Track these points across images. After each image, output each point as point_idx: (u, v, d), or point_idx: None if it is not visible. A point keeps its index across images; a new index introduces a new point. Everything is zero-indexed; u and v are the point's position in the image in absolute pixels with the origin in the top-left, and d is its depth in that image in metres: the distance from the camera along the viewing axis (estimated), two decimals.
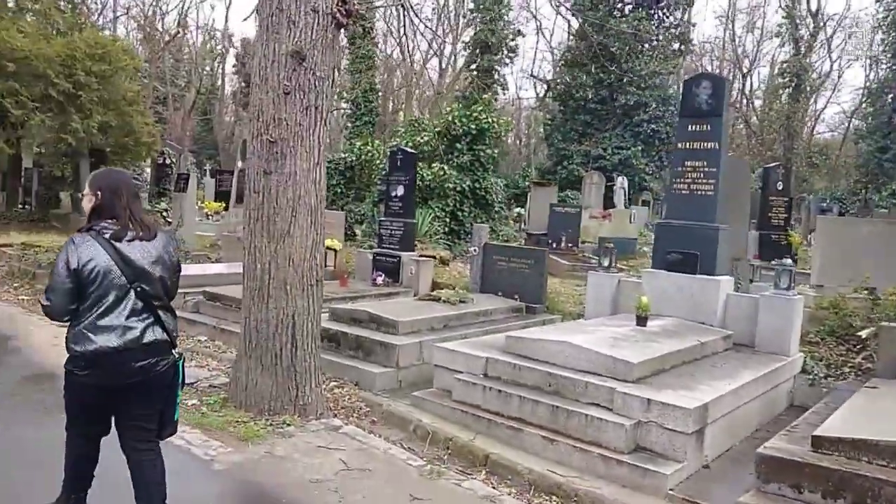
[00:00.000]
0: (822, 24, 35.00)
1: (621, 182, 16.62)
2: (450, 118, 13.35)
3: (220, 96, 45.24)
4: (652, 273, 6.64)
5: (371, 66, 23.61)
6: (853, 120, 36.79)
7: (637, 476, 4.02)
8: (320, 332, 5.10)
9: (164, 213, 15.18)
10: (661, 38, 28.96)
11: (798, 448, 3.86)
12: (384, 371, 5.78)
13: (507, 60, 23.70)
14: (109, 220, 2.82)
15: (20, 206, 17.11)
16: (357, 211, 13.79)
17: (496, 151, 14.42)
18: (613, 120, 27.87)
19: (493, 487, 4.00)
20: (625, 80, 27.34)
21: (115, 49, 14.20)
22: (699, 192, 6.53)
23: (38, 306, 8.80)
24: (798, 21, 34.01)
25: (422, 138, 13.46)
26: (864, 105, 34.06)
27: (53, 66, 12.86)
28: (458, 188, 12.67)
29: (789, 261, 6.06)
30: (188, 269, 9.31)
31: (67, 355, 2.77)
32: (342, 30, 4.90)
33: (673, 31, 29.38)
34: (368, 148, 14.24)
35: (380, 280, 8.87)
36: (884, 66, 31.13)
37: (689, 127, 6.66)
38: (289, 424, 4.55)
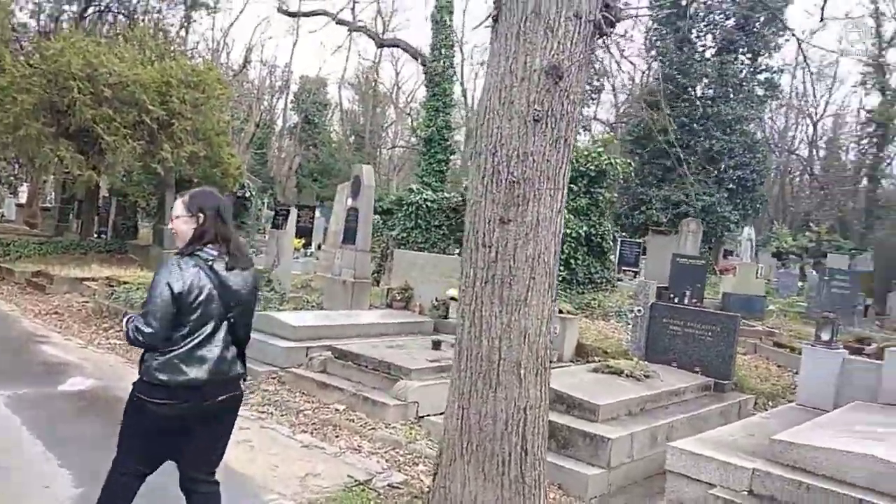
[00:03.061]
0: None
1: (748, 233, 15.25)
2: None
3: (277, 131, 45.32)
4: None
5: (449, 103, 22.82)
6: None
7: None
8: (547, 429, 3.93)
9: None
10: (745, 83, 27.69)
11: None
12: (596, 473, 4.58)
13: (591, 102, 22.62)
14: (211, 245, 2.71)
15: (96, 234, 16.52)
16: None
17: (615, 195, 13.28)
18: (696, 165, 26.60)
19: None
20: (708, 125, 26.19)
21: (210, 78, 13.57)
22: None
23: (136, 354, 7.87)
24: (885, 68, 32.53)
25: None
26: None
27: (149, 92, 12.23)
28: (574, 234, 11.52)
29: None
30: (304, 319, 8.20)
31: (142, 382, 2.64)
32: (602, 39, 3.83)
33: (759, 76, 28.11)
34: None
35: None
36: None
37: None
38: None
